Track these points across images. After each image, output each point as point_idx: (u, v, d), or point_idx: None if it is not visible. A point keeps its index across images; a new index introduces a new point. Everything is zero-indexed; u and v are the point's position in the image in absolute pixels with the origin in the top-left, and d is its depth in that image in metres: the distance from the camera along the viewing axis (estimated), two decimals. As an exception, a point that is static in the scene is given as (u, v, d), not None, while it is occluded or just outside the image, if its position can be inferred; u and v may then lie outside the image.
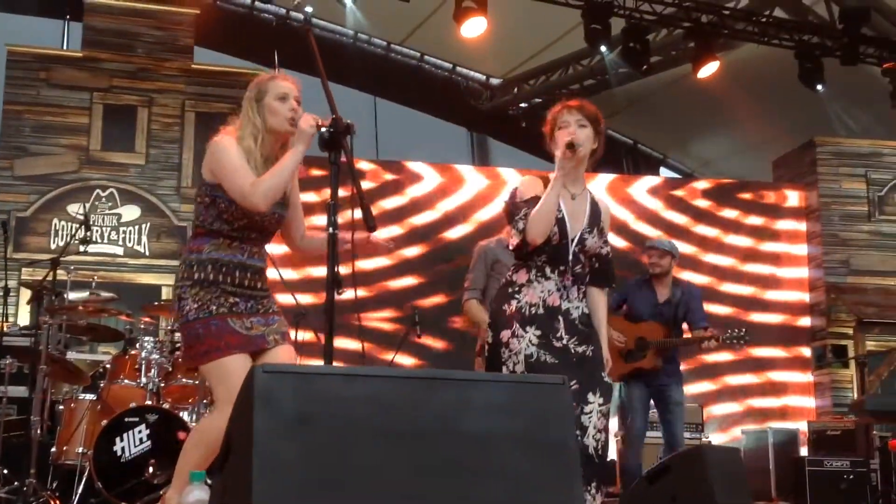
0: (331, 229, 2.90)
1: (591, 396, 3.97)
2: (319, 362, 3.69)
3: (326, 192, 3.19)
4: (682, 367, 7.03)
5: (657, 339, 6.65)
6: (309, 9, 3.29)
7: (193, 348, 3.65)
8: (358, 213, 3.14)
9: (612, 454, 8.32)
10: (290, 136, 3.64)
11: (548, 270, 4.05)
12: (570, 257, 4.07)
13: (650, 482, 4.81)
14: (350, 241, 3.46)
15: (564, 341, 3.99)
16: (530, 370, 3.89)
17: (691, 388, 10.40)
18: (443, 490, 2.04)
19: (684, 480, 4.65)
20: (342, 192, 3.11)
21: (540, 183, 4.13)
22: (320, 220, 3.44)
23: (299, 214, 3.94)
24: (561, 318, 4.01)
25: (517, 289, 4.07)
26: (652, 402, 6.77)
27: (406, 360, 9.66)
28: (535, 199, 4.04)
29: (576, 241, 4.08)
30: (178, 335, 7.32)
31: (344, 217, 3.15)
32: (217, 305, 3.60)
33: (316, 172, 5.54)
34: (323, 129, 3.02)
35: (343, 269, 3.04)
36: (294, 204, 3.89)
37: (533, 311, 4.00)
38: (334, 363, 3.07)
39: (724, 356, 10.79)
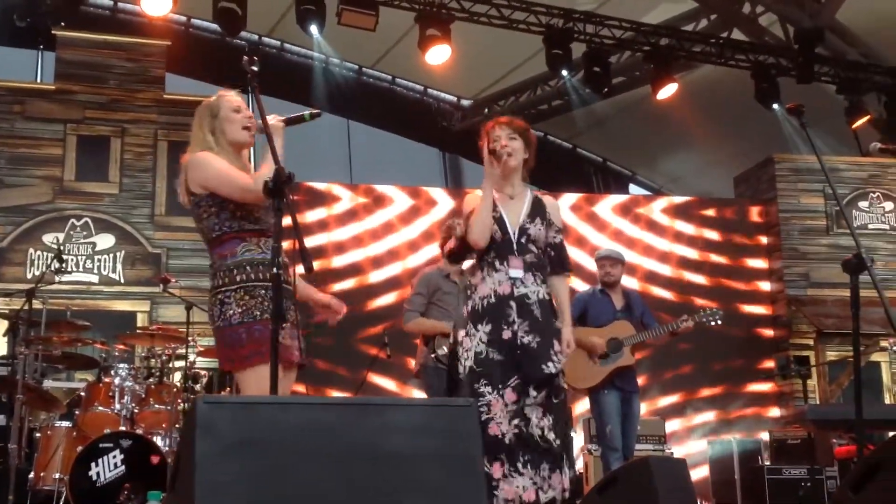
0: (275, 269, 3.14)
1: (531, 390, 4.41)
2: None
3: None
4: (649, 379, 7.12)
5: (629, 335, 6.69)
6: (255, 68, 3.53)
7: (235, 351, 3.68)
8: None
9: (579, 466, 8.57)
10: (246, 148, 3.93)
11: (497, 264, 4.53)
12: (516, 248, 4.52)
13: (600, 492, 5.05)
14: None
15: (515, 328, 4.42)
16: (478, 365, 4.38)
17: (658, 402, 10.66)
18: (371, 506, 2.28)
19: (632, 491, 4.89)
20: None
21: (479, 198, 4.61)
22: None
23: None
24: (514, 304, 4.46)
25: (473, 289, 4.57)
26: None
27: (380, 381, 9.87)
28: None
29: (517, 233, 4.56)
30: (153, 361, 7.52)
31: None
32: (261, 311, 3.66)
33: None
34: (267, 179, 3.28)
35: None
36: None
37: (485, 304, 4.48)
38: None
39: (689, 367, 11.03)
